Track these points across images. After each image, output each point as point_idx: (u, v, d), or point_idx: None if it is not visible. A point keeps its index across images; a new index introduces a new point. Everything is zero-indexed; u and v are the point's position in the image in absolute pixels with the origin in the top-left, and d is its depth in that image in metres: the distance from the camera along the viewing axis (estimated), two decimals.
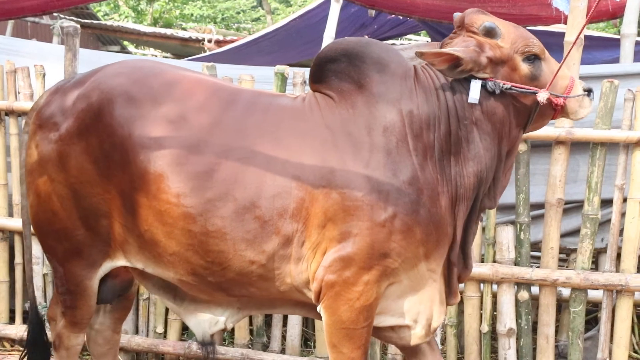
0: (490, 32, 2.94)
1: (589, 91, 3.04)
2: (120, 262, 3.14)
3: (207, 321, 3.21)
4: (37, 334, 3.54)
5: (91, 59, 5.17)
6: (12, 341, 4.89)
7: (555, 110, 3.01)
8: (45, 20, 11.99)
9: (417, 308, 3.03)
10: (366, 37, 3.14)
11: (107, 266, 3.17)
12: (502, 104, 2.94)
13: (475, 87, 2.90)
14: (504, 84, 2.91)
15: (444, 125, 2.93)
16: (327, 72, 3.01)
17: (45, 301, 4.89)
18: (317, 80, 3.06)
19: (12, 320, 5.00)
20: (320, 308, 2.96)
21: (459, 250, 3.06)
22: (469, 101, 2.91)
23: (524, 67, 2.94)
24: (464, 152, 2.94)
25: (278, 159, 2.88)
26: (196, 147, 2.90)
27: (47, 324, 3.87)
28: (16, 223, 4.82)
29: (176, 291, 3.26)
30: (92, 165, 3.01)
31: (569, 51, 3.16)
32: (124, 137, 2.96)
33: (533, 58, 2.95)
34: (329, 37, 6.39)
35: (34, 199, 3.19)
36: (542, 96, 2.91)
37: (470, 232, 3.09)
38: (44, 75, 4.87)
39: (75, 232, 3.11)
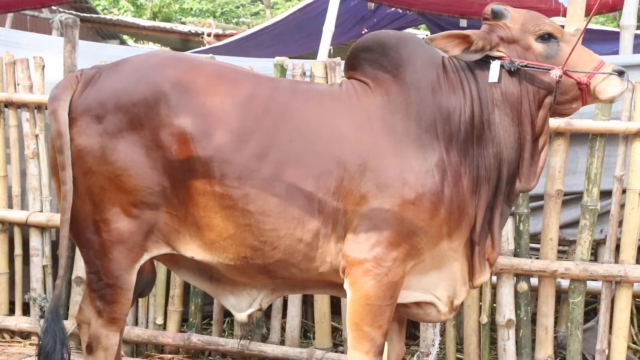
0: (497, 14, 3.16)
1: (619, 72, 3.11)
2: (162, 251, 3.20)
3: (243, 302, 3.34)
4: (57, 324, 3.25)
5: (90, 51, 5.19)
6: (12, 333, 4.89)
7: (581, 90, 3.09)
8: (45, 14, 11.99)
9: (438, 285, 3.20)
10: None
11: (145, 257, 3.20)
12: (517, 84, 3.11)
13: (494, 67, 3.09)
14: (520, 62, 3.07)
15: (468, 109, 3.11)
16: (361, 60, 3.22)
17: (45, 292, 4.89)
18: (352, 67, 3.27)
19: (11, 312, 5.00)
20: (346, 284, 3.09)
21: (486, 230, 3.20)
22: (490, 81, 3.10)
23: (538, 46, 3.11)
24: (485, 135, 3.12)
25: (322, 140, 3.06)
26: (251, 132, 3.05)
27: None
28: (15, 215, 4.82)
29: (212, 274, 3.34)
30: (144, 158, 3.06)
31: (579, 37, 3.16)
32: (182, 128, 3.04)
33: (547, 37, 3.11)
34: (328, 30, 6.40)
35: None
36: (555, 73, 3.05)
37: (496, 213, 3.21)
38: (43, 67, 4.87)
39: (116, 224, 3.11)
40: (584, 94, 3.09)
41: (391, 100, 3.11)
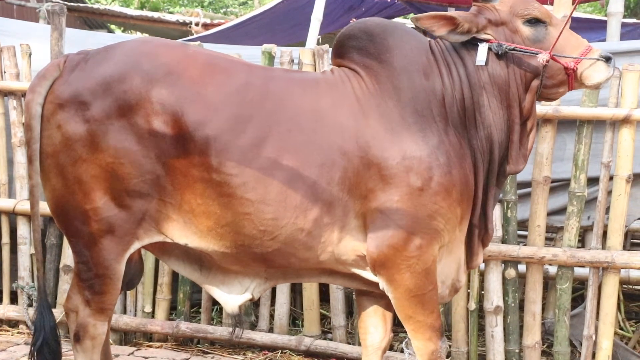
0: None
1: (606, 58, 3.12)
2: (154, 239, 3.15)
3: (234, 291, 3.30)
4: (48, 316, 3.31)
5: (77, 39, 5.16)
6: (0, 321, 4.88)
7: (568, 75, 3.11)
8: (32, 3, 11.91)
9: (447, 270, 3.22)
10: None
11: (135, 246, 3.16)
12: (505, 66, 3.12)
13: (482, 49, 3.10)
14: (507, 45, 3.09)
15: (458, 92, 3.12)
16: (348, 48, 3.21)
17: (33, 281, 4.88)
18: (339, 55, 3.25)
19: (0, 300, 4.99)
20: (382, 283, 3.10)
21: (480, 213, 3.21)
22: (477, 63, 3.10)
23: (525, 30, 3.13)
24: (477, 117, 3.12)
25: (322, 129, 3.04)
26: (249, 120, 3.02)
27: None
28: (3, 203, 4.81)
29: (202, 263, 3.31)
30: (136, 145, 3.01)
31: (567, 22, 3.18)
32: (177, 115, 3.00)
33: (535, 21, 3.13)
34: (316, 19, 6.39)
35: (60, 182, 3.09)
36: (542, 57, 3.07)
37: (489, 196, 3.23)
38: (30, 54, 4.85)
39: (106, 212, 3.07)
40: (571, 78, 3.12)
41: (382, 87, 3.09)
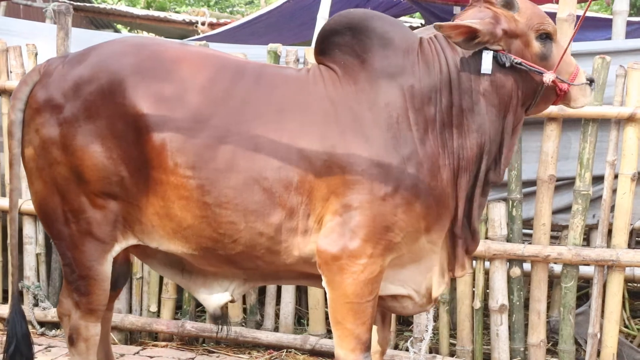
0: (509, 4, 2.98)
1: (591, 81, 3.09)
2: (130, 242, 3.15)
3: (215, 294, 3.27)
4: (21, 323, 3.36)
5: (84, 38, 5.17)
6: (6, 322, 4.89)
7: (558, 95, 3.04)
8: (38, 2, 11.95)
9: (416, 278, 3.10)
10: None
11: (116, 248, 3.16)
12: (512, 78, 2.98)
13: (487, 58, 2.94)
14: (515, 58, 2.94)
15: (445, 97, 2.97)
16: (331, 45, 3.05)
17: (39, 281, 4.90)
18: (322, 52, 3.10)
19: (5, 300, 5.00)
20: (324, 282, 3.01)
21: (465, 222, 3.10)
22: (482, 72, 2.95)
23: (536, 45, 2.99)
24: (467, 124, 2.98)
25: (283, 131, 2.93)
26: (208, 120, 2.95)
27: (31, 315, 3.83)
28: (7, 202, 4.80)
29: (183, 266, 3.30)
30: (101, 146, 3.00)
31: (576, 30, 3.16)
32: (138, 116, 2.97)
33: (545, 37, 3.00)
34: (322, 18, 6.37)
35: (39, 184, 3.13)
36: (548, 77, 2.95)
37: (475, 204, 3.11)
38: (36, 54, 4.86)
39: (83, 214, 3.08)
40: (560, 98, 3.06)
41: (359, 89, 2.96)
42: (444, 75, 2.97)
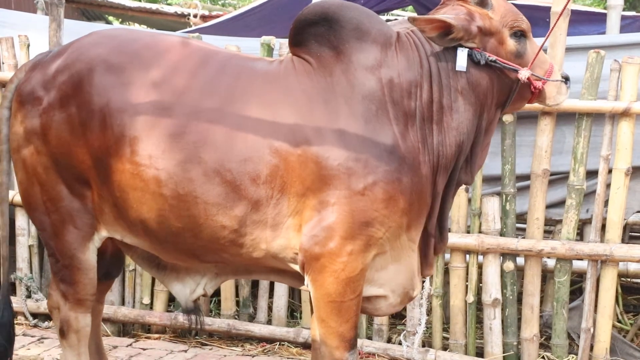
0: (482, 2, 2.93)
1: (566, 79, 3.06)
2: (102, 233, 3.15)
3: (187, 287, 3.25)
4: (5, 312, 3.41)
5: (76, 30, 5.12)
6: None
7: (533, 93, 3.01)
8: None
9: (397, 279, 3.03)
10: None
11: (97, 238, 3.16)
12: (487, 76, 2.93)
13: (462, 55, 2.88)
14: (489, 55, 2.90)
15: (426, 92, 2.91)
16: (306, 35, 2.96)
17: (31, 272, 4.88)
18: (296, 43, 3.01)
19: None
20: (307, 281, 2.95)
21: (435, 221, 3.05)
22: (457, 69, 2.89)
23: (511, 43, 2.94)
24: (447, 121, 2.92)
25: (248, 122, 2.85)
26: (168, 109, 2.90)
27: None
28: None
29: (159, 260, 3.28)
30: (70, 135, 3.01)
31: (554, 24, 3.17)
32: (102, 104, 2.96)
33: (520, 34, 2.96)
34: None
35: (22, 175, 3.17)
36: (524, 74, 2.91)
37: (447, 204, 3.08)
38: (28, 45, 4.84)
39: (61, 202, 3.10)
40: (534, 96, 3.02)
41: (335, 81, 2.87)
42: (425, 70, 2.91)
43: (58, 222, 3.13)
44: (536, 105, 4.12)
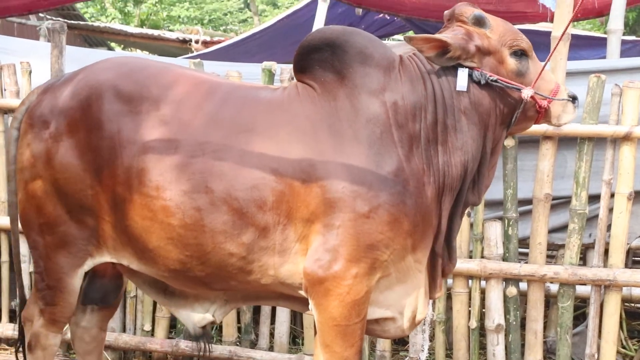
0: (479, 21, 2.95)
1: (573, 98, 3.05)
2: (104, 258, 3.14)
3: (196, 315, 3.23)
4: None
5: (78, 57, 5.15)
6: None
7: (539, 113, 3.00)
8: (32, 21, 11.95)
9: (404, 300, 3.02)
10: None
11: (89, 263, 3.16)
12: (488, 96, 2.94)
13: (462, 75, 2.90)
14: (490, 75, 2.91)
15: (430, 114, 2.92)
16: (310, 61, 2.98)
17: None
18: (301, 69, 3.03)
19: (10, 319, 4.95)
20: (311, 306, 2.94)
21: (443, 242, 3.05)
22: (457, 89, 2.90)
23: (511, 62, 2.95)
24: (451, 141, 2.93)
25: (254, 151, 2.87)
26: (175, 140, 2.92)
27: None
28: (2, 221, 4.78)
29: (166, 286, 3.27)
30: (78, 160, 3.02)
31: (555, 47, 3.19)
32: (112, 132, 2.98)
33: (520, 54, 2.96)
34: None
35: (23, 196, 3.20)
36: (527, 93, 2.92)
37: (455, 225, 3.08)
38: (30, 72, 4.84)
39: (58, 227, 3.11)
40: (541, 116, 3.02)
41: (339, 106, 2.89)
42: (429, 91, 2.92)
43: (52, 245, 3.14)
44: (537, 129, 4.17)
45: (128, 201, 2.95)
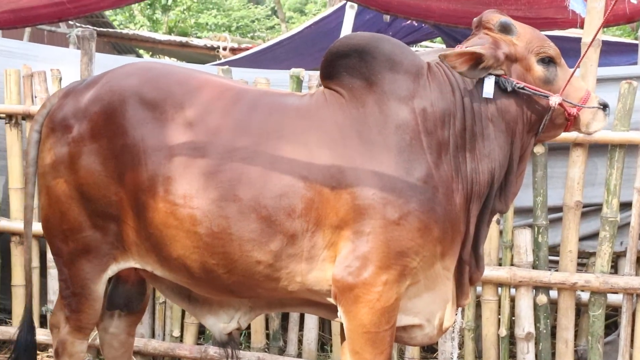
0: (506, 29, 2.94)
1: (604, 106, 3.01)
2: (129, 264, 3.15)
3: (221, 321, 3.24)
4: (28, 335, 3.48)
5: (107, 64, 5.16)
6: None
7: (568, 120, 2.97)
8: (62, 28, 12.07)
9: (431, 307, 3.01)
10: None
11: (113, 269, 3.17)
12: (515, 103, 2.92)
13: (488, 82, 2.89)
14: (517, 82, 2.89)
15: (459, 121, 2.91)
16: (337, 67, 2.97)
17: None
18: (328, 76, 3.02)
19: (41, 325, 4.98)
20: (340, 314, 2.93)
21: (471, 249, 3.04)
22: (484, 95, 2.89)
23: (538, 69, 2.93)
24: (479, 148, 2.92)
25: (283, 158, 2.86)
26: (202, 148, 2.91)
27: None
28: (33, 227, 4.81)
29: (189, 292, 3.27)
30: (101, 166, 3.03)
31: (585, 53, 3.15)
32: (135, 138, 2.98)
33: (548, 60, 2.94)
34: None
35: (45, 200, 3.20)
36: (554, 100, 2.90)
37: (482, 232, 3.06)
38: (61, 79, 4.89)
39: (81, 233, 3.11)
40: (570, 124, 2.98)
41: (368, 112, 2.88)
42: (457, 98, 2.91)
43: (75, 252, 3.15)
44: (568, 137, 4.13)
45: (153, 209, 2.94)
